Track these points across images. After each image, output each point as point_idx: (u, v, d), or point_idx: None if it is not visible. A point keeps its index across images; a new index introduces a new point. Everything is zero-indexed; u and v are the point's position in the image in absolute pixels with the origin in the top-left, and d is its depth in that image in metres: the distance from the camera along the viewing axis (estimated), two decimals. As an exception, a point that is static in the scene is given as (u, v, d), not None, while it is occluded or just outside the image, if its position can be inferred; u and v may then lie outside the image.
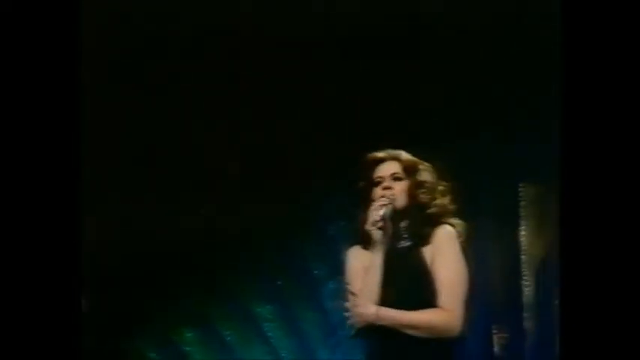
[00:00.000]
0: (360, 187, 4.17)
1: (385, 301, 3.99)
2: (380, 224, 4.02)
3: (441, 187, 4.15)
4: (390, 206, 4.08)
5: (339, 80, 5.62)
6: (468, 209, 4.37)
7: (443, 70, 5.62)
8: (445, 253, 4.07)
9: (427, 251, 4.09)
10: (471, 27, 5.55)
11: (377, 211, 4.03)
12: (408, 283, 4.05)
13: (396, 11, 5.53)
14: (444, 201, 4.14)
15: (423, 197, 4.11)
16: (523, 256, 5.56)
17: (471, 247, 4.14)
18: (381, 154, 4.19)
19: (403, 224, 4.12)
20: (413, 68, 5.63)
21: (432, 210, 4.10)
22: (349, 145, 5.16)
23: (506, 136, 5.62)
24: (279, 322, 5.83)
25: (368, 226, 4.05)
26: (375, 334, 3.98)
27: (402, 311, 3.97)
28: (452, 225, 4.12)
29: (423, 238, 4.11)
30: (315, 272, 5.58)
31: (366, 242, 4.09)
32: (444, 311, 3.94)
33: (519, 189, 5.61)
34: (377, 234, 4.04)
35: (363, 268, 4.08)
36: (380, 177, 4.11)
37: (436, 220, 4.12)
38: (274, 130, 5.69)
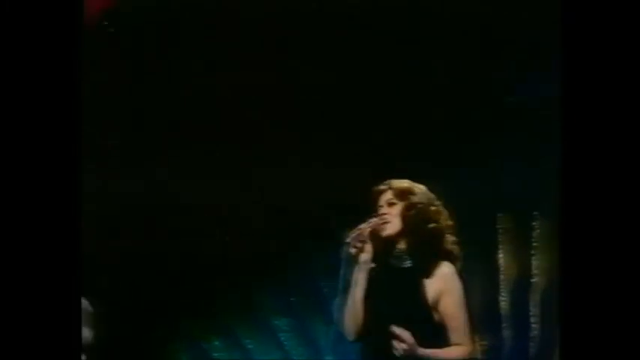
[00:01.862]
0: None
1: (378, 314, 4.07)
2: (357, 244, 4.09)
3: (433, 208, 4.16)
4: (366, 229, 4.10)
5: (337, 92, 5.54)
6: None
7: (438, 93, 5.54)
8: (452, 293, 4.09)
9: (428, 286, 4.09)
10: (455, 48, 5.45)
11: (353, 233, 4.10)
12: (404, 303, 4.10)
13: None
14: (437, 222, 4.14)
15: (415, 217, 4.12)
16: (501, 277, 5.77)
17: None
18: (381, 186, 4.19)
19: (401, 245, 4.15)
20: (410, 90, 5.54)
21: (426, 231, 4.12)
22: (358, 174, 5.12)
23: (493, 171, 5.67)
24: (293, 333, 5.93)
25: (349, 247, 4.10)
26: (372, 339, 4.09)
27: (437, 349, 4.01)
28: (451, 254, 4.13)
29: (424, 265, 4.12)
30: (325, 290, 5.67)
31: (354, 262, 4.12)
32: (464, 347, 4.05)
33: (499, 219, 5.78)
34: (355, 253, 4.11)
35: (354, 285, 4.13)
36: (379, 206, 4.16)
37: (434, 241, 4.13)
38: (289, 158, 5.61)
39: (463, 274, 4.14)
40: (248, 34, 5.47)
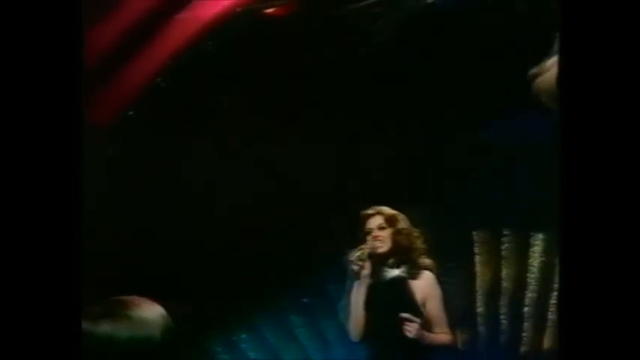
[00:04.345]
0: (358, 237, 4.59)
1: (378, 316, 4.52)
2: (359, 263, 4.48)
3: (415, 234, 4.61)
4: (366, 250, 4.47)
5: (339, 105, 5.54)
6: (441, 250, 4.87)
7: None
8: (435, 297, 4.56)
9: (416, 291, 4.52)
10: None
11: (355, 253, 4.51)
12: (399, 305, 4.51)
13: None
14: (418, 244, 4.61)
15: (403, 241, 4.55)
16: (477, 282, 6.19)
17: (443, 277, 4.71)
18: (369, 211, 4.58)
19: (391, 261, 4.58)
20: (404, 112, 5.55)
21: (410, 251, 4.59)
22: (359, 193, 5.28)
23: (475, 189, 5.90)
24: (307, 328, 6.31)
25: (352, 265, 4.51)
26: (374, 339, 4.57)
27: (435, 334, 4.51)
28: (429, 266, 4.57)
29: (410, 276, 4.52)
30: (332, 293, 5.96)
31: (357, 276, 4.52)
32: (450, 335, 4.61)
33: (475, 235, 6.18)
34: (358, 270, 4.52)
35: (356, 296, 4.54)
36: (370, 228, 4.56)
37: (415, 258, 4.57)
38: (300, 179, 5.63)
39: (441, 280, 4.65)
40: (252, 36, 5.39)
